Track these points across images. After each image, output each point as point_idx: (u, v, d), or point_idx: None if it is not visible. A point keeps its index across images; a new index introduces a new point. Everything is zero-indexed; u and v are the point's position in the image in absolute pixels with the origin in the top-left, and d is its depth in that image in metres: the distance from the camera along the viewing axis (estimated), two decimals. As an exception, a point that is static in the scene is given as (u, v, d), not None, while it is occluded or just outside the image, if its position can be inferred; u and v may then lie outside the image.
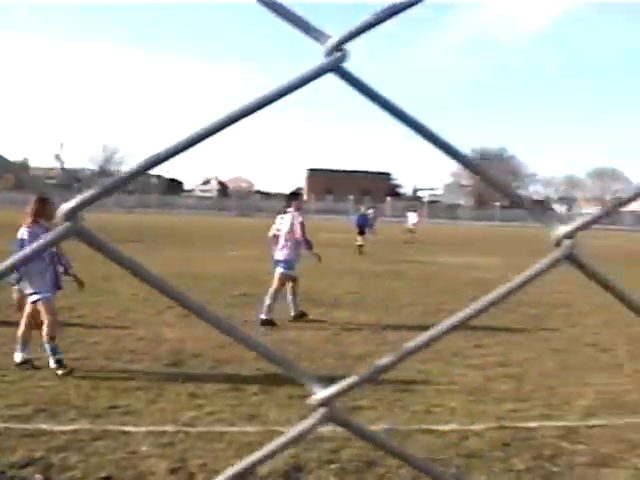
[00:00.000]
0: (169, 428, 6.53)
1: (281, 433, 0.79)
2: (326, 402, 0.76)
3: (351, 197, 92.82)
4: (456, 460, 6.08)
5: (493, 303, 0.82)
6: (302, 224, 12.51)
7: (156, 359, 9.19)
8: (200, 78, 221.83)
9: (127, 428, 6.51)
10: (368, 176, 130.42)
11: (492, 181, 0.83)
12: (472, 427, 6.99)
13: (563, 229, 0.77)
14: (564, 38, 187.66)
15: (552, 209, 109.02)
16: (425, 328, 0.78)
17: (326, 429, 6.72)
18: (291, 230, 12.45)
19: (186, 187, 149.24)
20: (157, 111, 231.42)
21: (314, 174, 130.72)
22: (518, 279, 0.79)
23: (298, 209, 12.73)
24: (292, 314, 12.58)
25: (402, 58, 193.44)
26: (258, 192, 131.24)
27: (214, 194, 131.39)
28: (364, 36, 0.73)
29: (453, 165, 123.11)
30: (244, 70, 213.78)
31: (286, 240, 12.47)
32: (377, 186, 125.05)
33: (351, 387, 0.78)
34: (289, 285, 12.68)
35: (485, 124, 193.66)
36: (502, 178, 0.82)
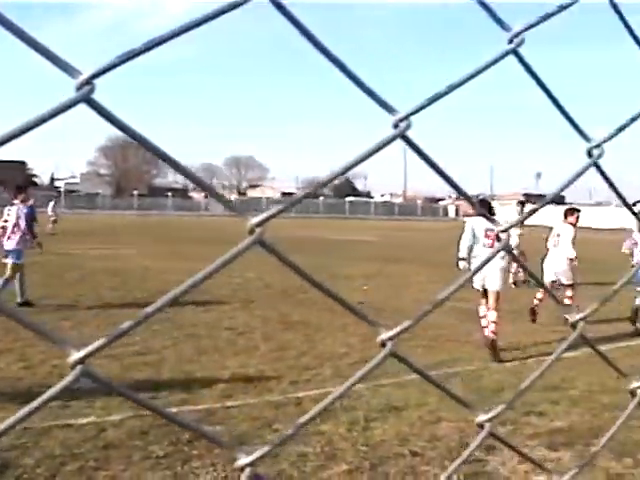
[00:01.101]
0: None
1: None
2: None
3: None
4: (94, 453, 5.97)
5: (182, 293, 0.85)
6: (27, 215, 13.45)
7: None
8: None
9: None
10: (1, 165, 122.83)
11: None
12: (109, 418, 6.90)
13: (255, 219, 0.83)
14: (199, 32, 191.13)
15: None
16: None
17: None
18: (17, 222, 13.24)
19: None
20: None
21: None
22: (215, 263, 0.82)
23: (23, 201, 13.66)
24: (18, 300, 13.06)
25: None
26: None
27: None
28: None
29: (90, 154, 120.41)
30: None
31: (13, 231, 13.23)
32: (12, 176, 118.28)
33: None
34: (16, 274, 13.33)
35: (128, 110, 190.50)
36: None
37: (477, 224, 10.88)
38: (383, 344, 0.93)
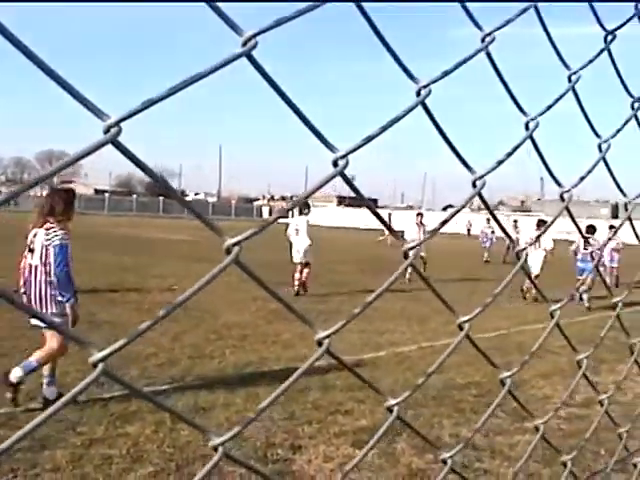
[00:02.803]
0: None
1: None
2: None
3: None
4: None
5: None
6: None
7: None
8: None
9: None
10: None
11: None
12: None
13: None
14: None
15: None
16: None
17: None
18: None
19: None
20: None
21: None
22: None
23: None
24: None
25: None
26: None
27: None
28: None
29: None
30: None
31: None
32: None
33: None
34: None
35: None
36: None
37: (292, 222, 18.12)
38: (95, 365, 0.99)
